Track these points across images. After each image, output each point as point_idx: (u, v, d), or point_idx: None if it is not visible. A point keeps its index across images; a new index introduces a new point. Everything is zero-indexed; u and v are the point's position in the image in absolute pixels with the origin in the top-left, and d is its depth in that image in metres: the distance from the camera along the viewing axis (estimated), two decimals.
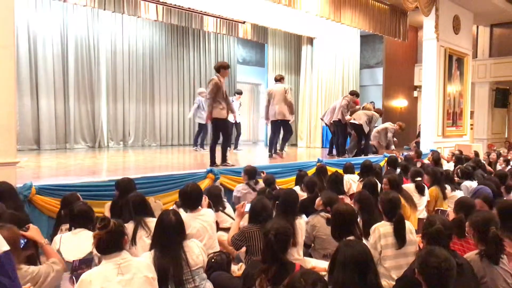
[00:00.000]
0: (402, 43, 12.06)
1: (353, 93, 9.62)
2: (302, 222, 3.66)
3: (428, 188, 5.46)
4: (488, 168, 7.70)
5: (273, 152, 8.40)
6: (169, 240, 2.84)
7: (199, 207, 3.78)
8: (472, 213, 3.12)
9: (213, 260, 3.33)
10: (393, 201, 3.45)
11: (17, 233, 2.49)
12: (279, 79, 8.50)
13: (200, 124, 10.30)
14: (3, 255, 1.45)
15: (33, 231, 2.72)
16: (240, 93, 10.90)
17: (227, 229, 4.13)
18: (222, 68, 7.06)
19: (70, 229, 3.39)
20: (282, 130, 8.43)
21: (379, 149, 9.92)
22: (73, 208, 3.44)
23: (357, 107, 9.62)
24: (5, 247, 1.43)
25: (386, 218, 3.37)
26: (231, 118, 8.23)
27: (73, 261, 2.91)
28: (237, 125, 10.68)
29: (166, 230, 2.86)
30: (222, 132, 6.88)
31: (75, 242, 3.18)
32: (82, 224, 3.33)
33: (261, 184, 5.68)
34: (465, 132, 12.58)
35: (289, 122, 8.41)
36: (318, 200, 4.01)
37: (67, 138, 10.10)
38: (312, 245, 3.88)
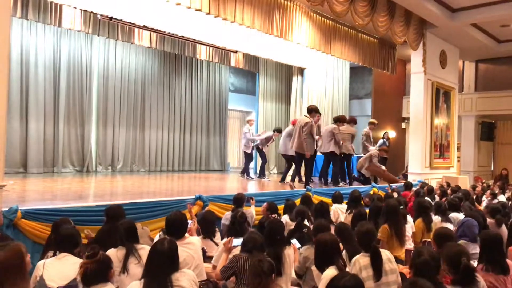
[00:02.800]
0: (390, 75, 12.33)
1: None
2: (290, 253, 3.65)
3: (414, 219, 5.48)
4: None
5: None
6: (158, 270, 2.76)
7: (185, 235, 3.75)
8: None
9: None
10: (368, 233, 3.45)
11: (21, 251, 2.40)
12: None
13: (247, 153, 10.66)
14: None
15: None
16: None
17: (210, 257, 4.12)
18: (313, 111, 8.90)
19: (54, 254, 3.31)
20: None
21: (372, 174, 10.01)
22: (59, 231, 3.38)
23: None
24: None
25: (363, 250, 3.37)
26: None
27: (57, 287, 2.86)
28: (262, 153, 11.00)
29: (156, 260, 2.78)
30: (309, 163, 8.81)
31: (59, 268, 3.10)
32: (67, 248, 3.24)
33: (249, 211, 5.67)
34: (452, 164, 12.74)
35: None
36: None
37: (55, 162, 10.01)
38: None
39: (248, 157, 10.77)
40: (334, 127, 9.25)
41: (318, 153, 9.50)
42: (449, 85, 12.39)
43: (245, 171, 10.68)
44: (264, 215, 5.46)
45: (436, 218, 5.49)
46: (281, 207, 6.66)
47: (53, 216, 4.28)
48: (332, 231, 4.18)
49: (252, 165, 11.78)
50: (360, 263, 3.22)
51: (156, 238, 4.27)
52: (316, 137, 9.06)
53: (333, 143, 9.06)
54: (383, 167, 9.97)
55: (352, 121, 10.01)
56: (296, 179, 9.01)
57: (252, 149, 10.80)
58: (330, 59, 11.91)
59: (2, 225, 4.06)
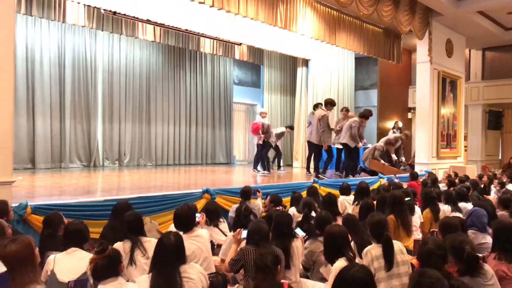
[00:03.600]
0: (396, 65, 12.25)
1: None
2: (298, 245, 3.65)
3: (421, 210, 5.47)
4: None
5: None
6: (166, 263, 2.79)
7: (194, 228, 3.77)
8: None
9: (209, 282, 3.30)
10: (380, 223, 3.45)
11: (31, 243, 2.47)
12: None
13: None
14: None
15: None
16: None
17: (219, 246, 4.15)
18: (329, 104, 9.15)
19: (64, 249, 3.34)
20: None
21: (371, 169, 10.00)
22: (68, 226, 3.42)
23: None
24: (2, 268, 1.37)
25: (375, 240, 3.37)
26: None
27: (68, 282, 2.88)
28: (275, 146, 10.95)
29: (163, 253, 2.81)
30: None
31: (69, 262, 3.13)
32: (76, 243, 3.27)
33: (255, 204, 5.69)
34: (459, 154, 12.67)
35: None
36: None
37: (62, 157, 10.07)
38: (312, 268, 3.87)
39: (259, 150, 10.73)
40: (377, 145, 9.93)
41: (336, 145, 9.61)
42: (455, 74, 12.29)
43: (257, 164, 10.65)
44: (268, 207, 5.47)
45: (446, 208, 5.47)
46: (288, 199, 6.72)
47: (62, 211, 4.31)
48: (339, 222, 4.19)
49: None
50: (372, 253, 3.22)
51: (170, 228, 4.30)
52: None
53: (348, 136, 9.08)
54: (382, 162, 9.94)
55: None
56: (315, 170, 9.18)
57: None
58: (335, 49, 11.85)
59: (13, 220, 4.10)
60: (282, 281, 2.72)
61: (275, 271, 2.68)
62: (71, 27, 9.91)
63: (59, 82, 10.03)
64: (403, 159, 10.98)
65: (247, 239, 3.40)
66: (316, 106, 9.75)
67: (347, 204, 6.20)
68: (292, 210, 5.31)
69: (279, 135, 10.85)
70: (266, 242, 3.30)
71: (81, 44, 10.41)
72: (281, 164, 11.20)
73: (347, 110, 9.99)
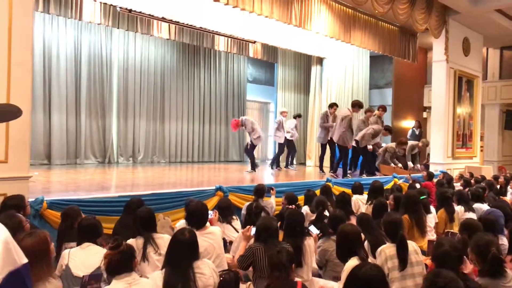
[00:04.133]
0: (411, 64, 12.11)
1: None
2: (310, 243, 3.65)
3: (436, 210, 5.41)
4: None
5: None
6: (180, 259, 2.82)
7: (206, 225, 3.79)
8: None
9: (221, 279, 3.31)
10: (394, 222, 3.43)
11: (47, 238, 2.54)
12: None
13: (279, 144, 10.69)
14: (22, 268, 1.37)
15: None
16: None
17: (231, 243, 4.16)
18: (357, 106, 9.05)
19: (78, 244, 3.39)
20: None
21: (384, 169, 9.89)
22: (81, 222, 3.47)
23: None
24: (24, 259, 1.39)
25: (390, 240, 3.35)
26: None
27: (83, 276, 2.93)
28: (290, 143, 10.96)
29: (178, 249, 2.84)
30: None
31: (84, 257, 3.19)
32: (90, 238, 3.34)
33: (269, 202, 5.69)
34: (475, 154, 12.48)
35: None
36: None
37: (78, 153, 10.20)
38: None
39: (281, 148, 10.77)
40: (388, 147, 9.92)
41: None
42: (472, 73, 12.11)
43: (274, 161, 10.73)
44: (283, 205, 5.47)
45: (459, 208, 5.40)
46: (301, 197, 6.70)
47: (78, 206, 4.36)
48: (353, 221, 4.17)
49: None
50: (386, 253, 3.21)
51: (178, 224, 4.33)
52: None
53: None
54: (393, 164, 9.80)
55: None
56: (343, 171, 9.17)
57: (285, 139, 10.80)
58: (350, 48, 11.75)
59: (29, 215, 4.17)
60: (296, 279, 2.72)
61: (290, 269, 2.68)
62: (87, 24, 10.02)
63: (75, 79, 10.16)
64: (419, 166, 10.78)
65: (256, 236, 3.40)
66: (331, 106, 9.70)
67: (360, 203, 6.17)
68: (305, 209, 5.30)
69: (294, 128, 10.87)
70: (274, 239, 3.30)
71: (97, 42, 10.53)
72: (294, 162, 11.19)
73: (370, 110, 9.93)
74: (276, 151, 11.01)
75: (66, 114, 9.96)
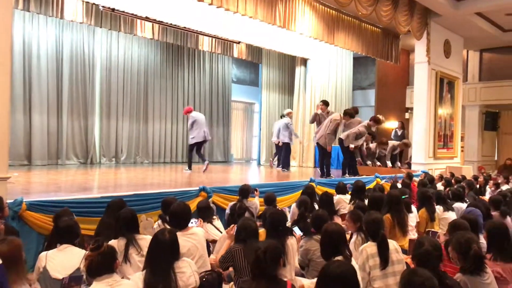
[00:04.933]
0: (394, 65, 12.26)
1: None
2: (293, 243, 3.66)
3: (417, 210, 5.48)
4: None
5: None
6: (160, 259, 2.80)
7: (189, 226, 3.77)
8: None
9: (204, 279, 3.30)
10: (376, 221, 3.47)
11: (20, 245, 2.52)
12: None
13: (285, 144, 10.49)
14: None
15: None
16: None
17: (214, 242, 4.15)
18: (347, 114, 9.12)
19: (55, 245, 3.32)
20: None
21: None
22: (58, 223, 3.41)
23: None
24: None
25: (371, 239, 3.39)
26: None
27: (63, 278, 2.88)
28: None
29: (158, 249, 2.83)
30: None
31: (62, 259, 3.14)
32: (68, 239, 3.29)
33: (253, 202, 5.69)
34: (456, 154, 12.69)
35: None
36: None
37: (59, 154, 10.06)
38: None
39: (289, 149, 10.68)
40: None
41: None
42: (453, 75, 12.31)
43: (286, 163, 10.53)
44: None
45: (438, 208, 5.49)
46: (285, 197, 6.74)
47: (58, 207, 4.29)
48: (336, 221, 4.20)
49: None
50: (367, 251, 3.25)
51: (155, 226, 4.30)
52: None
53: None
54: (369, 163, 9.90)
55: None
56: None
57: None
58: (333, 49, 11.84)
59: (8, 216, 4.08)
60: (285, 279, 2.71)
61: (277, 267, 2.63)
62: (69, 23, 9.89)
63: (56, 79, 10.02)
64: (399, 164, 10.96)
65: (235, 236, 3.39)
66: (326, 103, 9.53)
67: (343, 203, 6.21)
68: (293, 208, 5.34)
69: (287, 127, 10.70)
70: (253, 239, 3.29)
71: (79, 41, 10.40)
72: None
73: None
74: (283, 152, 10.77)
75: (47, 114, 9.81)
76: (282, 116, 11.15)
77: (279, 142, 10.63)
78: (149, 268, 2.78)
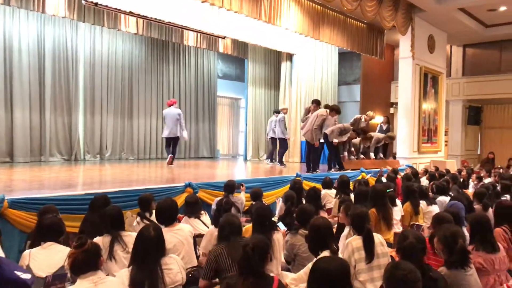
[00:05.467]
0: (379, 61, 12.35)
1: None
2: (279, 237, 3.66)
3: (402, 204, 5.54)
4: None
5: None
6: (147, 256, 2.78)
7: (175, 222, 3.75)
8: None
9: (190, 275, 3.29)
10: (361, 215, 3.50)
11: None
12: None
13: (281, 140, 10.45)
14: None
15: None
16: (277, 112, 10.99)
17: (201, 236, 4.14)
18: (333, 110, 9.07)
19: (39, 243, 3.26)
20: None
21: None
22: (42, 220, 3.36)
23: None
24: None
25: (356, 233, 3.41)
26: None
27: (46, 276, 2.84)
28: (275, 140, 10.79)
29: (144, 246, 2.80)
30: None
31: (46, 257, 3.09)
32: (52, 237, 3.23)
33: (239, 197, 5.69)
34: (439, 148, 12.87)
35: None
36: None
37: (42, 150, 9.90)
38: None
39: (284, 144, 10.62)
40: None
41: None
42: (437, 70, 12.45)
43: (281, 158, 10.50)
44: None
45: (421, 202, 5.56)
46: (272, 192, 6.75)
47: (41, 205, 4.23)
48: (323, 215, 4.21)
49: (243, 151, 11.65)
50: (353, 245, 3.27)
51: (135, 224, 4.26)
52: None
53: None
54: (353, 157, 10.02)
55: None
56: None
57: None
58: (319, 44, 11.87)
59: None
60: (272, 274, 2.70)
61: (264, 263, 2.61)
62: (51, 18, 9.71)
63: (39, 74, 9.84)
64: (381, 155, 11.07)
65: (218, 233, 3.32)
66: (318, 103, 9.57)
67: (329, 197, 6.24)
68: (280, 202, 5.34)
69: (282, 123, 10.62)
70: (237, 236, 3.23)
71: (61, 35, 10.23)
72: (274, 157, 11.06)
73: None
74: (280, 148, 10.68)
75: (29, 110, 9.64)
76: (275, 113, 11.03)
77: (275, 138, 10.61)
78: (135, 265, 2.75)
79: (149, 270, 2.74)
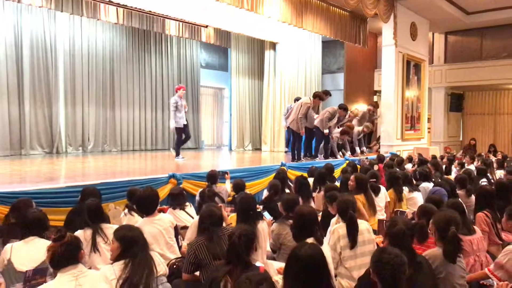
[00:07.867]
0: (362, 49, 12.37)
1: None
2: (264, 227, 3.66)
3: (387, 190, 5.59)
4: None
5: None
6: (139, 249, 2.69)
7: (156, 212, 3.71)
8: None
9: (174, 266, 3.26)
10: (346, 202, 3.52)
11: None
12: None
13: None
14: None
15: None
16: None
17: (186, 228, 4.12)
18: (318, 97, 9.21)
19: (22, 237, 3.20)
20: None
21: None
22: (26, 215, 3.30)
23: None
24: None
25: (342, 220, 3.43)
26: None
27: (26, 271, 2.79)
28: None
29: (135, 241, 2.71)
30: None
31: (28, 251, 3.04)
32: (35, 232, 3.18)
33: (222, 187, 5.67)
34: (423, 136, 13.01)
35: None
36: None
37: (22, 144, 9.71)
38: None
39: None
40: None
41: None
42: (419, 57, 12.53)
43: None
44: None
45: (404, 189, 5.63)
46: (257, 182, 6.75)
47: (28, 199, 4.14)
48: (311, 204, 4.23)
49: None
50: (339, 232, 3.31)
51: (122, 215, 4.22)
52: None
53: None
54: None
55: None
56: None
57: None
58: (302, 33, 11.80)
59: None
60: (257, 264, 2.69)
61: (249, 253, 2.60)
62: (27, 7, 9.46)
63: (16, 66, 9.60)
64: (364, 148, 11.17)
65: (199, 224, 3.26)
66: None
67: None
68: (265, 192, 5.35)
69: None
70: (217, 227, 3.19)
71: (39, 26, 9.97)
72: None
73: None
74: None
75: (7, 103, 9.41)
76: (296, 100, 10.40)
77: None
78: (128, 259, 2.64)
79: (143, 262, 2.65)
